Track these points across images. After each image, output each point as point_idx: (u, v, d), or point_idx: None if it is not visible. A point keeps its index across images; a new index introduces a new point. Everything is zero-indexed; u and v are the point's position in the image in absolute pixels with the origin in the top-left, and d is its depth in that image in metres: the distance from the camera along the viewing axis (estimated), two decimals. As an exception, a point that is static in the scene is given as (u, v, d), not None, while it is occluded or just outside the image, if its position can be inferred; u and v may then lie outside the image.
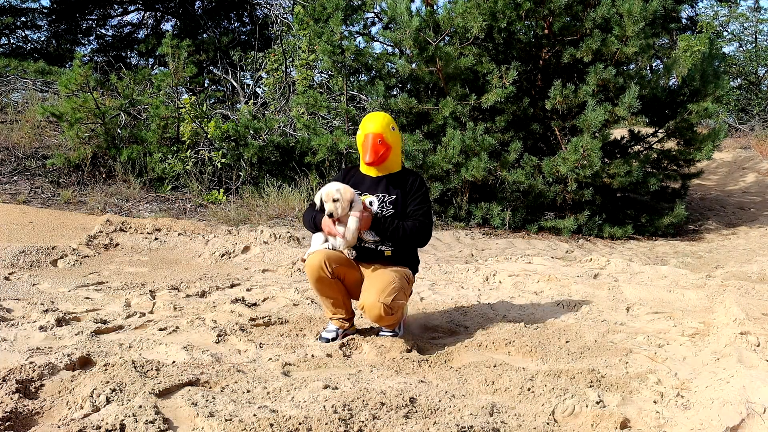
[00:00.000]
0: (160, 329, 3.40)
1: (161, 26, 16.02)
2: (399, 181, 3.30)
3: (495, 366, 2.90)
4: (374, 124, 3.27)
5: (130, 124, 8.85)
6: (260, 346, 3.19)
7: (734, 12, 19.07)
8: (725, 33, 19.57)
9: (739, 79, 18.37)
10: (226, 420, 2.26)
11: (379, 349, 3.19)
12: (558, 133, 8.05)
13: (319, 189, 3.24)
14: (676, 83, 9.51)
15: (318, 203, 3.19)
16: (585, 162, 7.27)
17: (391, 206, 3.26)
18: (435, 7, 8.43)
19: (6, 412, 2.28)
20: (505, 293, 4.48)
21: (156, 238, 5.85)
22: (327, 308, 3.41)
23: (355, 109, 9.10)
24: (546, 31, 8.02)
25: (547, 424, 2.38)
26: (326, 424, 2.24)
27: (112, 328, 3.44)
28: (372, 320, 3.25)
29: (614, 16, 7.42)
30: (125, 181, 7.99)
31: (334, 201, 3.11)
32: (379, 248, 3.30)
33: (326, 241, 3.26)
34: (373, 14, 9.03)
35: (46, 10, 15.26)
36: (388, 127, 3.27)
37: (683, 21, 16.46)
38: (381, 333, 3.43)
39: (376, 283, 3.19)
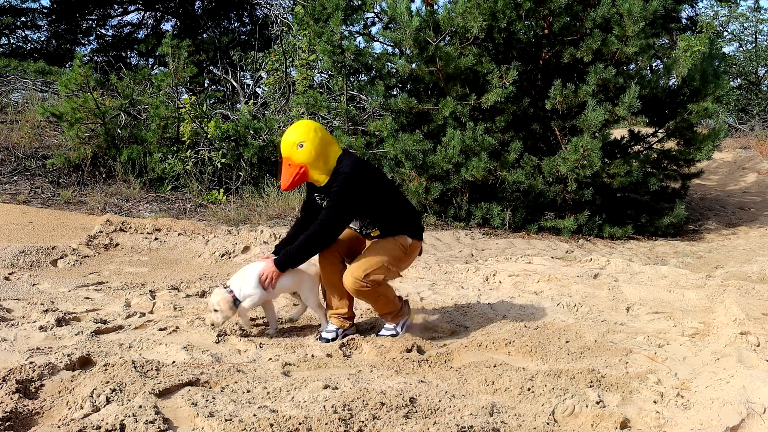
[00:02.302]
0: (160, 329, 3.40)
1: (161, 26, 16.01)
2: (334, 184, 3.18)
3: (495, 366, 2.90)
4: (281, 146, 3.18)
5: (130, 124, 8.85)
6: (260, 346, 3.19)
7: (734, 12, 19.06)
8: (725, 33, 19.56)
9: (739, 79, 18.36)
10: (226, 420, 2.26)
11: (379, 349, 3.19)
12: (558, 133, 8.05)
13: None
14: (676, 83, 9.49)
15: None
16: (585, 162, 7.26)
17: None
18: (435, 7, 8.43)
19: (6, 412, 2.28)
20: (505, 293, 4.48)
21: (156, 238, 5.85)
22: (331, 301, 3.42)
23: (355, 109, 9.09)
24: (546, 31, 8.02)
25: (547, 424, 2.38)
26: (326, 424, 2.24)
27: (112, 328, 3.44)
28: (350, 293, 3.31)
29: (614, 16, 7.42)
30: (125, 181, 7.98)
31: (214, 311, 3.25)
32: (365, 233, 3.36)
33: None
34: (373, 14, 9.02)
35: (46, 10, 15.26)
36: (294, 146, 3.11)
37: (683, 21, 16.44)
38: (380, 333, 3.44)
39: (359, 258, 3.27)
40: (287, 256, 3.23)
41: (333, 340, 3.35)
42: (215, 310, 3.24)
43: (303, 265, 3.34)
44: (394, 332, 3.44)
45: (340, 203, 3.13)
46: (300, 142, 3.11)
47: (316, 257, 3.33)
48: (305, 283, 3.41)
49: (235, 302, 3.24)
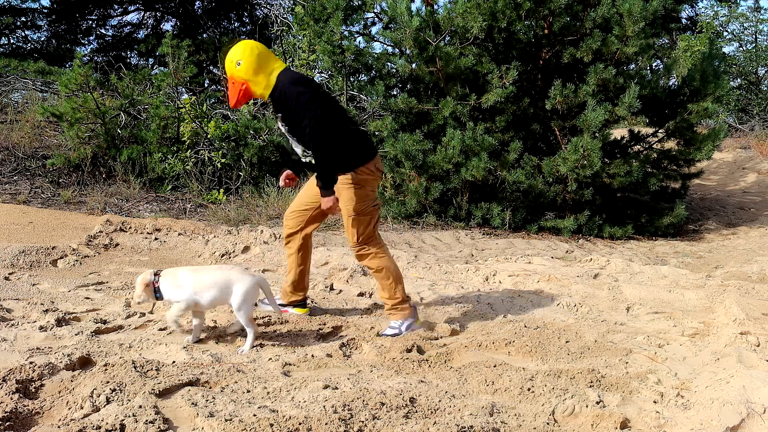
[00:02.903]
0: (160, 329, 3.40)
1: (161, 26, 16.02)
2: (277, 99, 3.29)
3: (495, 366, 2.90)
4: (225, 67, 3.32)
5: (130, 124, 8.84)
6: (260, 346, 3.19)
7: (734, 12, 19.06)
8: (725, 33, 19.56)
9: (739, 79, 18.36)
10: (226, 420, 2.26)
11: (379, 349, 3.19)
12: (558, 133, 8.05)
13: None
14: (676, 83, 9.49)
15: None
16: (585, 162, 7.27)
17: (284, 123, 3.35)
18: (435, 7, 8.43)
19: (6, 412, 2.28)
20: (505, 293, 4.48)
21: (156, 238, 5.85)
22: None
23: (355, 109, 9.09)
24: (546, 31, 8.02)
25: (547, 424, 2.38)
26: (326, 424, 2.25)
27: (112, 328, 3.44)
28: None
29: (614, 16, 7.42)
30: (125, 181, 7.98)
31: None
32: (307, 160, 3.43)
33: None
34: (373, 14, 9.02)
35: (46, 10, 15.25)
36: (233, 64, 3.26)
37: (683, 21, 16.44)
38: (383, 333, 3.44)
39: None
40: (321, 178, 3.26)
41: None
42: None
43: (238, 273, 3.20)
44: (397, 331, 3.44)
45: (308, 110, 3.20)
46: (238, 60, 3.26)
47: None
48: (237, 294, 3.14)
49: (156, 292, 3.18)
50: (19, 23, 14.85)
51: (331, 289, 4.45)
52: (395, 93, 8.68)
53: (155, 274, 3.20)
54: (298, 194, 3.66)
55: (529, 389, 2.66)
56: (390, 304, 3.46)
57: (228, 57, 3.28)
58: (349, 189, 3.35)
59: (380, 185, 3.67)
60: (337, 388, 2.61)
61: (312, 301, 4.12)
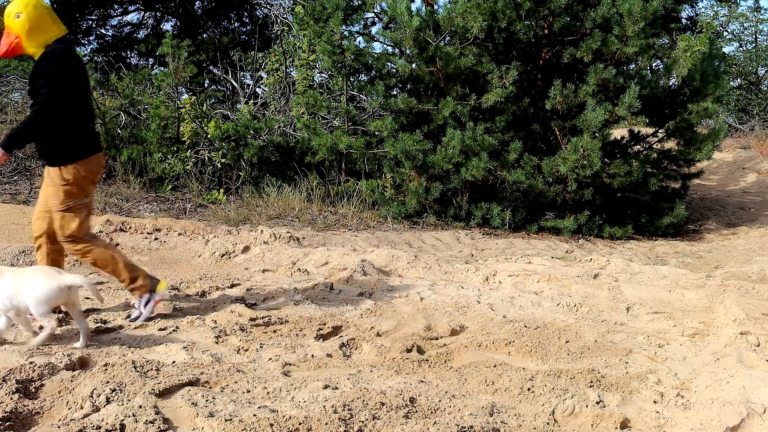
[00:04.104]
0: (160, 329, 3.40)
1: (161, 26, 15.99)
2: (38, 63, 3.22)
3: (495, 366, 2.90)
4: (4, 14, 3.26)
5: (130, 124, 8.84)
6: (260, 346, 3.19)
7: (734, 12, 19.06)
8: (725, 33, 19.57)
9: (739, 79, 18.36)
10: (226, 420, 2.26)
11: (379, 349, 3.19)
12: (558, 133, 8.05)
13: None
14: (676, 83, 9.50)
15: None
16: (585, 162, 7.27)
17: (29, 84, 3.28)
18: (435, 7, 8.43)
19: (6, 412, 2.28)
20: (505, 293, 4.48)
21: (156, 238, 5.85)
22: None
23: (355, 109, 9.09)
24: (546, 31, 8.02)
25: (547, 424, 2.39)
26: (326, 424, 2.25)
27: (112, 328, 3.44)
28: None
29: (614, 16, 7.42)
30: (125, 181, 7.98)
31: None
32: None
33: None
34: (373, 14, 9.02)
35: (46, 11, 15.23)
36: (12, 15, 3.20)
37: (683, 21, 16.42)
38: (131, 319, 3.46)
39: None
40: (9, 137, 3.17)
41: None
42: None
43: (30, 275, 3.00)
44: (138, 313, 3.44)
45: (53, 79, 3.15)
46: (17, 13, 3.20)
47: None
48: (28, 298, 2.94)
49: None
50: (19, 23, 14.81)
51: (331, 289, 4.45)
52: (395, 93, 8.68)
53: None
54: (40, 193, 3.44)
55: (529, 389, 2.66)
56: (125, 286, 3.47)
57: (9, 6, 3.22)
58: (59, 184, 3.28)
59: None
60: (337, 388, 2.61)
61: (312, 302, 4.12)
